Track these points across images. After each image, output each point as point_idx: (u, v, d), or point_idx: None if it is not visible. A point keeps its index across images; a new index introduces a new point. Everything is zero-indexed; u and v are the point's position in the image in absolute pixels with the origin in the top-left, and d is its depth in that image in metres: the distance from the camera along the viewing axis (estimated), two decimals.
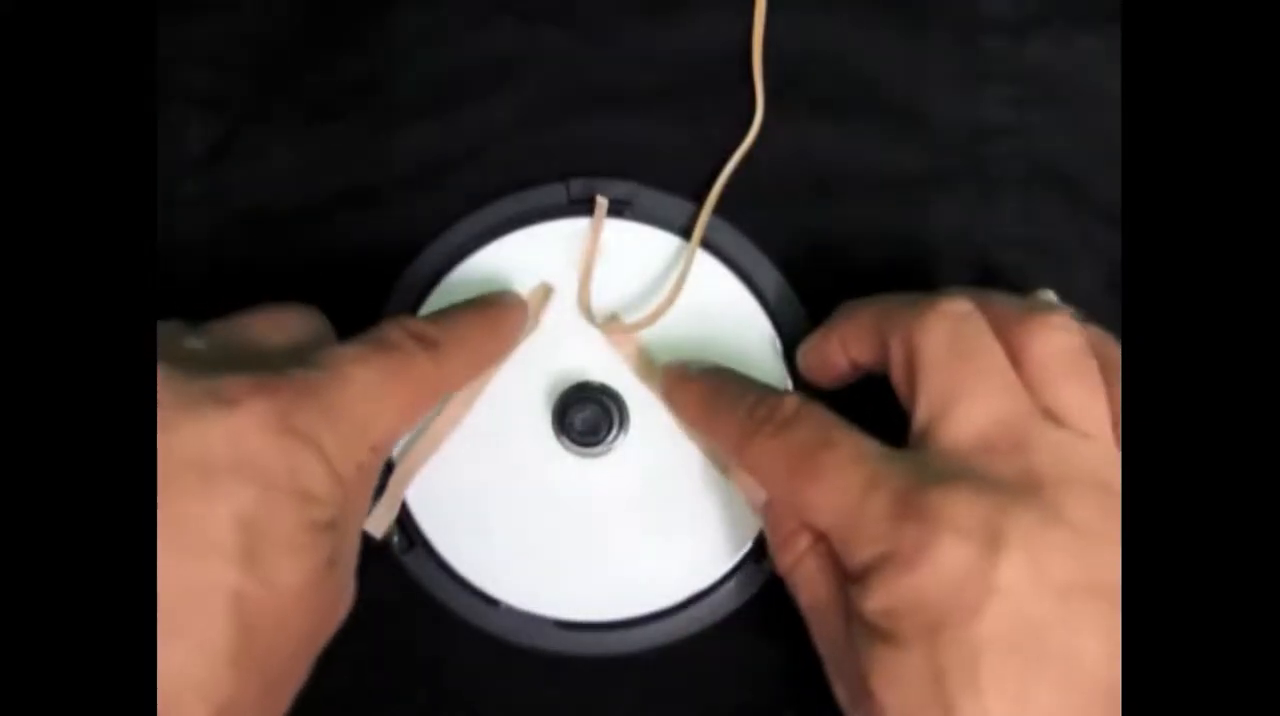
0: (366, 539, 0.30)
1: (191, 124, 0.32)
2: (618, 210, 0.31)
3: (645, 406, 0.30)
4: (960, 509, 0.23)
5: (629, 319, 0.30)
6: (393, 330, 0.26)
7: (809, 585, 0.26)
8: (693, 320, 0.31)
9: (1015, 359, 0.25)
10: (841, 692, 0.26)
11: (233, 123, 0.32)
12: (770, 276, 0.31)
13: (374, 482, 0.27)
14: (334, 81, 0.32)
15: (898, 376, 0.26)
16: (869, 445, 0.25)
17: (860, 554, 0.24)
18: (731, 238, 0.31)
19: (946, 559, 0.22)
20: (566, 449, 0.30)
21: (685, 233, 0.31)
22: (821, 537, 0.26)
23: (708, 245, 0.31)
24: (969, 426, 0.24)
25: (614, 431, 0.30)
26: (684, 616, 0.30)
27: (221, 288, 0.31)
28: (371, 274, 0.31)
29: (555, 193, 0.31)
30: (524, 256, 0.31)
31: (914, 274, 0.31)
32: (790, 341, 0.31)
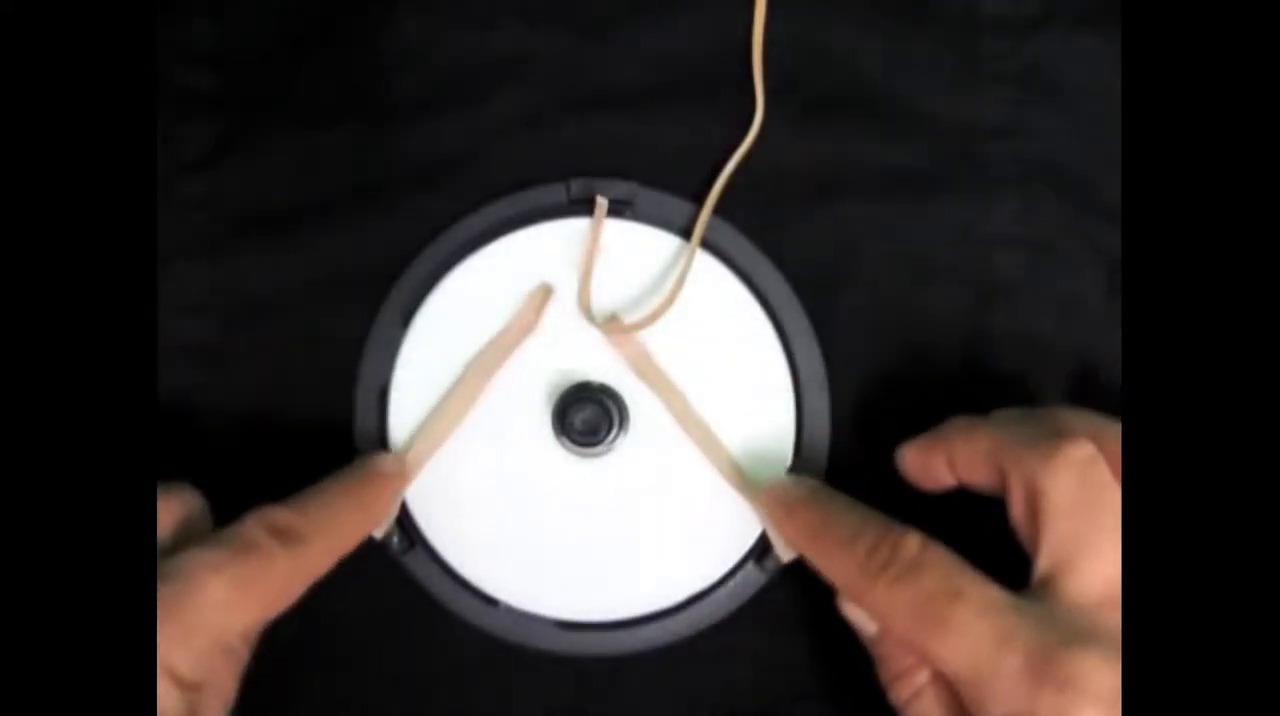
0: (366, 539, 0.30)
1: (191, 124, 0.32)
2: (618, 210, 0.31)
3: (645, 406, 0.30)
4: (1098, 676, 0.22)
5: (629, 319, 0.30)
6: (252, 528, 0.25)
7: None
8: (693, 320, 0.31)
9: None
10: None
11: (233, 123, 0.32)
12: (770, 276, 0.31)
13: (240, 662, 0.27)
14: (334, 81, 0.32)
15: (1017, 515, 0.26)
16: (997, 595, 0.24)
17: (994, 711, 0.23)
18: (731, 238, 0.31)
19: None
20: (566, 449, 0.30)
21: (685, 233, 0.31)
22: (941, 677, 0.25)
23: (708, 245, 0.31)
24: (1097, 580, 0.24)
25: (614, 431, 0.30)
26: (684, 616, 0.30)
27: (221, 287, 0.31)
28: (371, 274, 0.31)
29: (555, 193, 0.31)
30: (524, 256, 0.31)
31: (914, 273, 0.31)
32: (791, 341, 0.31)
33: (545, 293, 0.31)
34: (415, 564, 0.30)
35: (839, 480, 0.31)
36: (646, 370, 0.30)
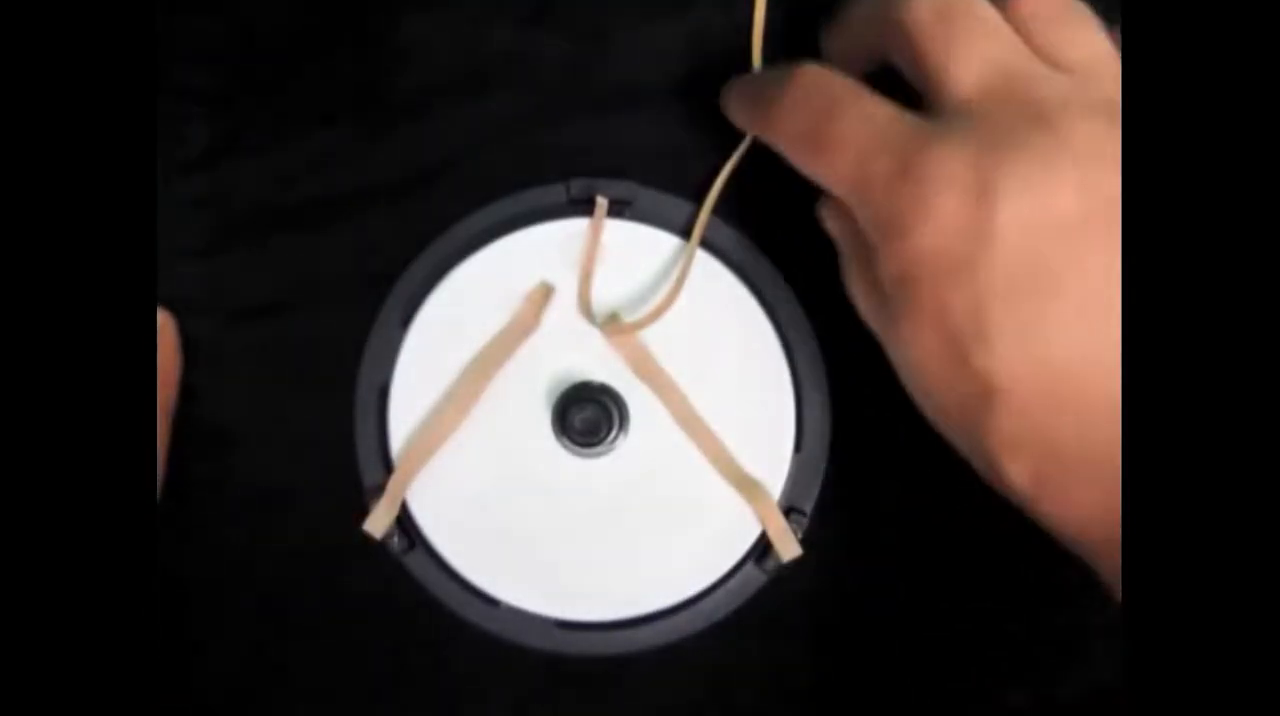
0: (366, 539, 0.30)
1: (191, 124, 0.32)
2: (618, 210, 0.31)
3: (645, 406, 0.30)
4: (953, 162, 0.23)
5: (629, 319, 0.30)
6: None
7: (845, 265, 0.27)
8: (693, 320, 0.31)
9: (1005, 16, 0.25)
10: (904, 375, 0.26)
11: (233, 123, 0.32)
12: (770, 276, 0.31)
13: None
14: (334, 81, 0.32)
15: (900, 61, 0.26)
16: (876, 108, 0.25)
17: (870, 223, 0.24)
18: (731, 238, 0.31)
19: (942, 214, 0.22)
20: (566, 449, 0.30)
21: (685, 233, 0.31)
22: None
23: (708, 245, 0.31)
24: (968, 78, 0.24)
25: (614, 431, 0.30)
26: (684, 616, 0.30)
27: (221, 287, 0.31)
28: (371, 274, 0.31)
29: (555, 193, 0.31)
30: (524, 256, 0.31)
31: None
32: (790, 341, 0.31)
33: (545, 292, 0.31)
34: (415, 564, 0.31)
35: (839, 480, 0.31)
36: (646, 370, 0.30)
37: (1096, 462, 0.22)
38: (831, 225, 0.29)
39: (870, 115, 0.24)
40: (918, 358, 0.24)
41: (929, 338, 0.23)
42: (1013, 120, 0.23)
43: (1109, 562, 0.23)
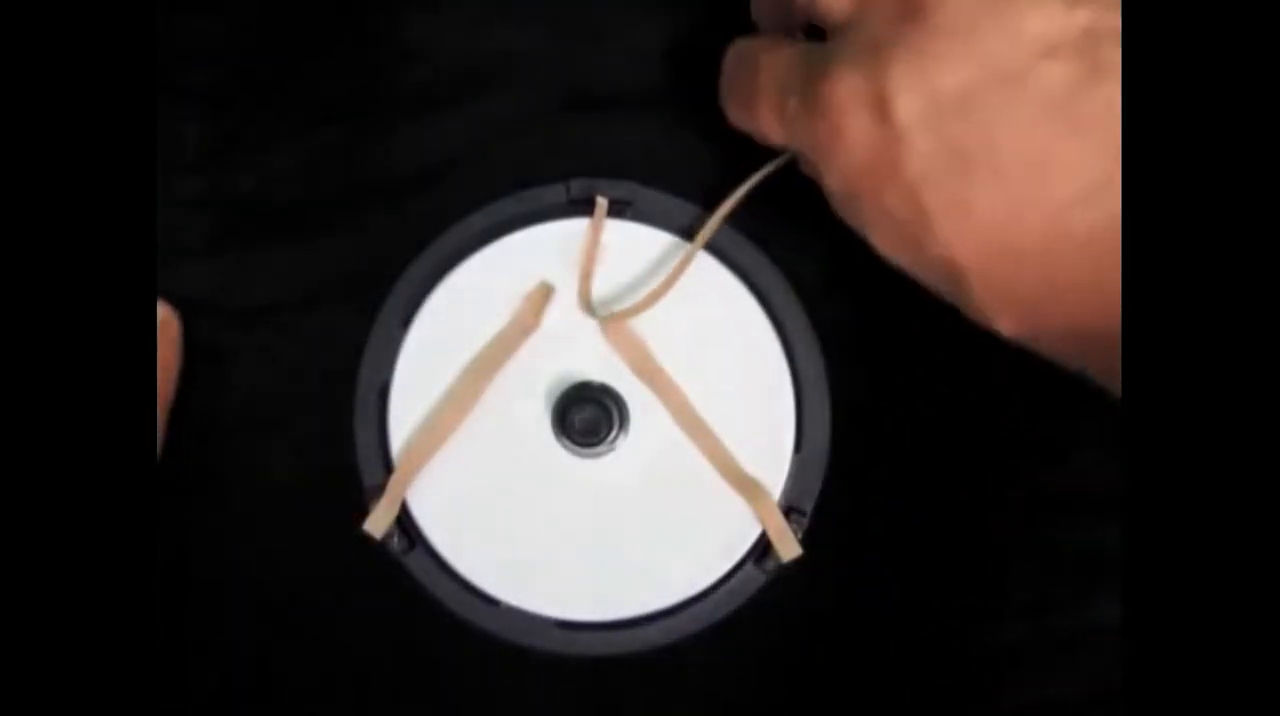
0: (366, 539, 0.30)
1: (191, 123, 0.32)
2: (618, 210, 0.31)
3: (645, 406, 0.30)
4: (846, 82, 0.24)
5: (628, 318, 0.30)
6: None
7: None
8: (693, 320, 0.31)
9: None
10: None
11: (233, 123, 0.32)
12: (770, 276, 0.31)
13: None
14: (334, 81, 0.32)
15: (799, 9, 0.27)
16: (780, 53, 0.26)
17: (805, 160, 0.26)
18: (731, 238, 0.31)
19: (851, 134, 0.24)
20: (566, 449, 0.30)
21: (685, 233, 0.31)
22: None
23: (707, 245, 0.31)
24: None
25: (614, 431, 0.30)
26: (684, 616, 0.30)
27: (221, 287, 0.31)
28: (372, 273, 0.31)
29: (555, 193, 0.31)
30: (524, 256, 0.31)
31: None
32: (791, 341, 0.31)
33: (545, 292, 0.31)
34: (415, 564, 0.30)
35: (839, 480, 0.31)
36: (646, 370, 0.30)
37: (1074, 292, 0.23)
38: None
39: (775, 62, 0.26)
40: (889, 255, 0.26)
41: (886, 239, 0.25)
42: (887, 21, 0.24)
43: (1111, 373, 0.24)
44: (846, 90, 0.24)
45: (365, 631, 0.31)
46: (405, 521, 0.31)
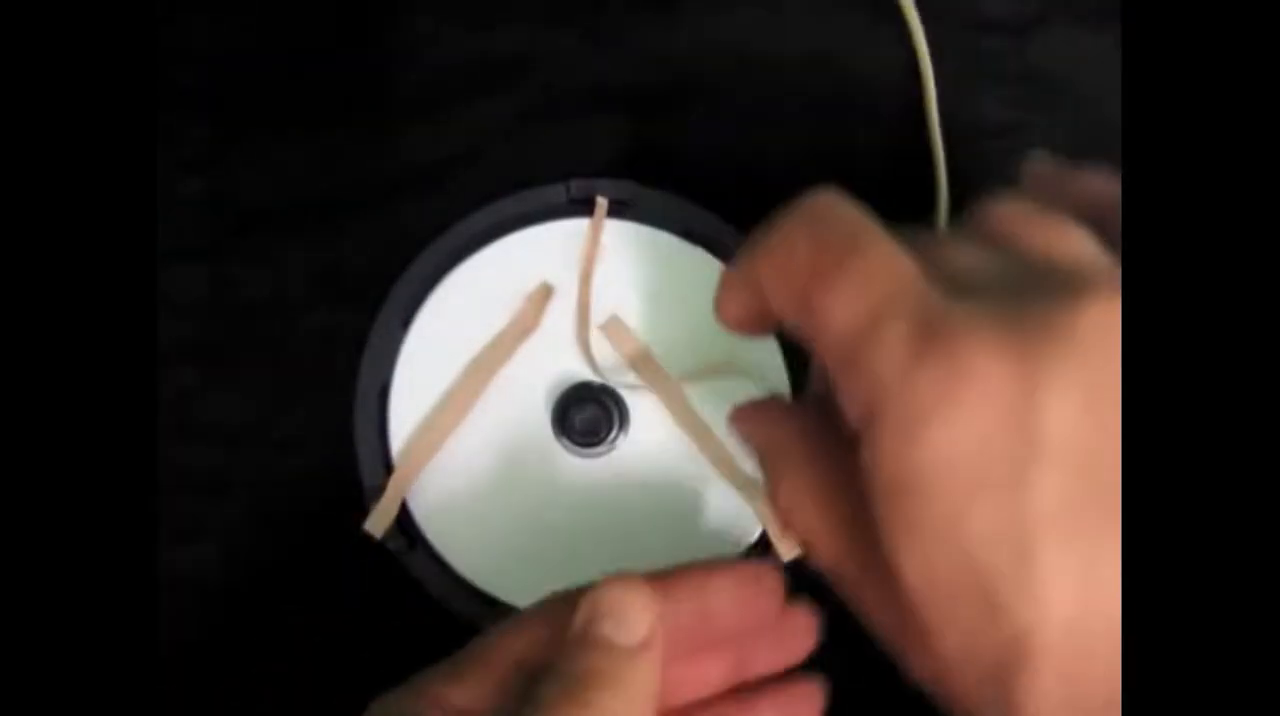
0: (366, 539, 0.30)
1: (191, 124, 0.32)
2: (617, 210, 0.31)
3: (645, 406, 0.30)
4: (988, 342, 0.18)
5: (629, 318, 0.30)
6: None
7: (815, 543, 0.23)
8: (693, 320, 0.31)
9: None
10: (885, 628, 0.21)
11: (233, 123, 0.32)
12: None
13: None
14: (334, 81, 0.32)
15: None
16: (900, 256, 0.20)
17: (859, 403, 0.19)
18: (732, 238, 0.31)
19: (976, 407, 0.18)
20: (566, 449, 0.30)
21: (685, 233, 0.31)
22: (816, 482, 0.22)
23: (707, 245, 0.31)
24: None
25: (614, 431, 0.30)
26: None
27: (221, 287, 0.31)
28: (371, 274, 0.31)
29: (555, 193, 0.31)
30: (524, 256, 0.31)
31: None
32: (790, 341, 0.31)
33: (545, 292, 0.31)
34: (415, 564, 0.30)
35: None
36: (646, 369, 0.30)
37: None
38: (748, 430, 0.24)
39: (891, 262, 0.20)
40: (916, 599, 0.19)
41: (939, 572, 0.18)
42: (1042, 294, 0.19)
43: None
44: (989, 351, 0.18)
45: (365, 631, 0.31)
46: (405, 521, 0.31)
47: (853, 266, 0.20)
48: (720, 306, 0.24)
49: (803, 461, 0.23)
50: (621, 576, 0.22)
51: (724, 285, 0.24)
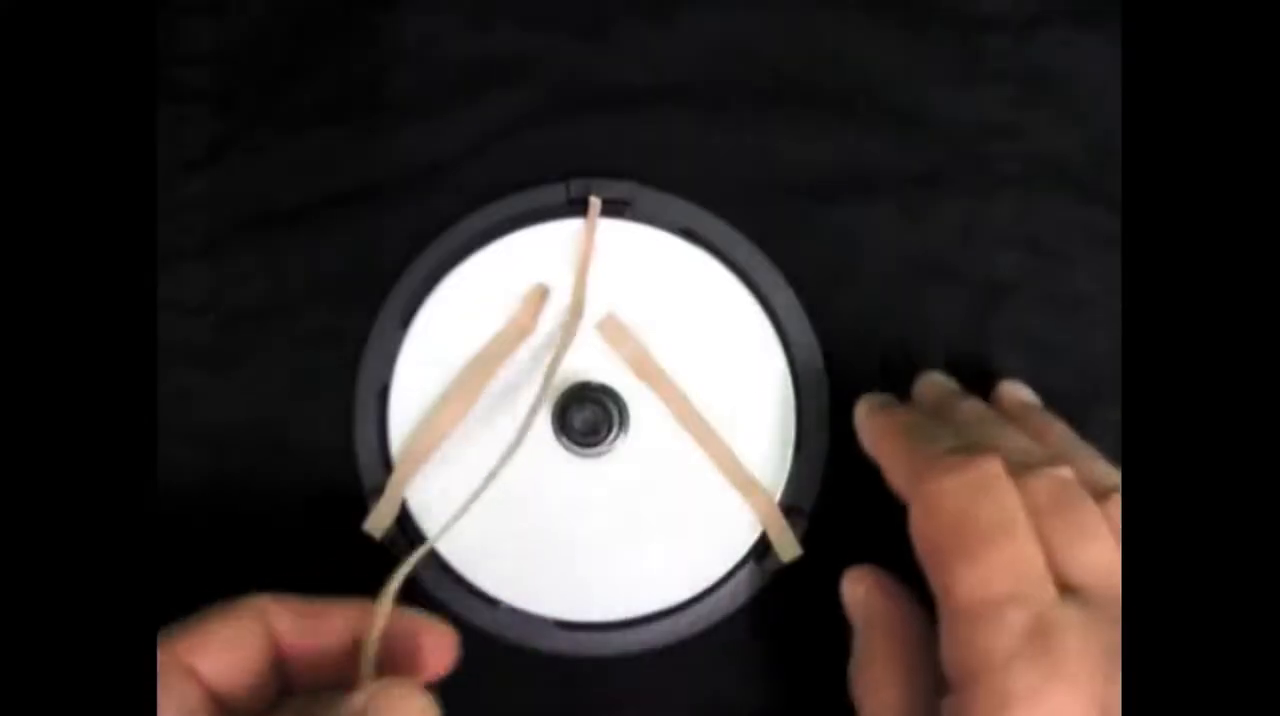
0: (366, 539, 0.30)
1: (191, 124, 0.32)
2: (617, 210, 0.31)
3: (645, 406, 0.30)
4: (1084, 656, 0.22)
5: (630, 318, 0.30)
6: None
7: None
8: (693, 320, 0.31)
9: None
10: None
11: (233, 123, 0.32)
12: (770, 276, 0.31)
13: None
14: (334, 81, 0.32)
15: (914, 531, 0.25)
16: (1037, 553, 0.23)
17: (960, 665, 0.23)
18: (731, 238, 0.31)
19: (1062, 712, 0.21)
20: (566, 449, 0.30)
21: (685, 232, 0.31)
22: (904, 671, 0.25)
23: (707, 245, 0.31)
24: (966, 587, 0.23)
25: (614, 431, 0.30)
26: (684, 616, 0.30)
27: (221, 287, 0.31)
28: (371, 274, 0.31)
29: (555, 193, 0.31)
30: (524, 256, 0.31)
31: (914, 273, 0.31)
32: (790, 341, 0.31)
33: (541, 294, 0.31)
34: (415, 564, 0.30)
35: (839, 480, 0.31)
36: (646, 370, 0.30)
37: None
38: (859, 593, 0.28)
39: (1028, 558, 0.23)
40: None
41: None
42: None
43: None
44: (1080, 666, 0.22)
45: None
46: (405, 521, 0.31)
47: (998, 554, 0.23)
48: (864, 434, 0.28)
49: (898, 652, 0.26)
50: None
51: (866, 430, 0.28)
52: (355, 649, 0.25)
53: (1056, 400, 0.31)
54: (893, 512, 0.31)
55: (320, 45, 0.32)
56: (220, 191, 0.32)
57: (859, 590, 0.27)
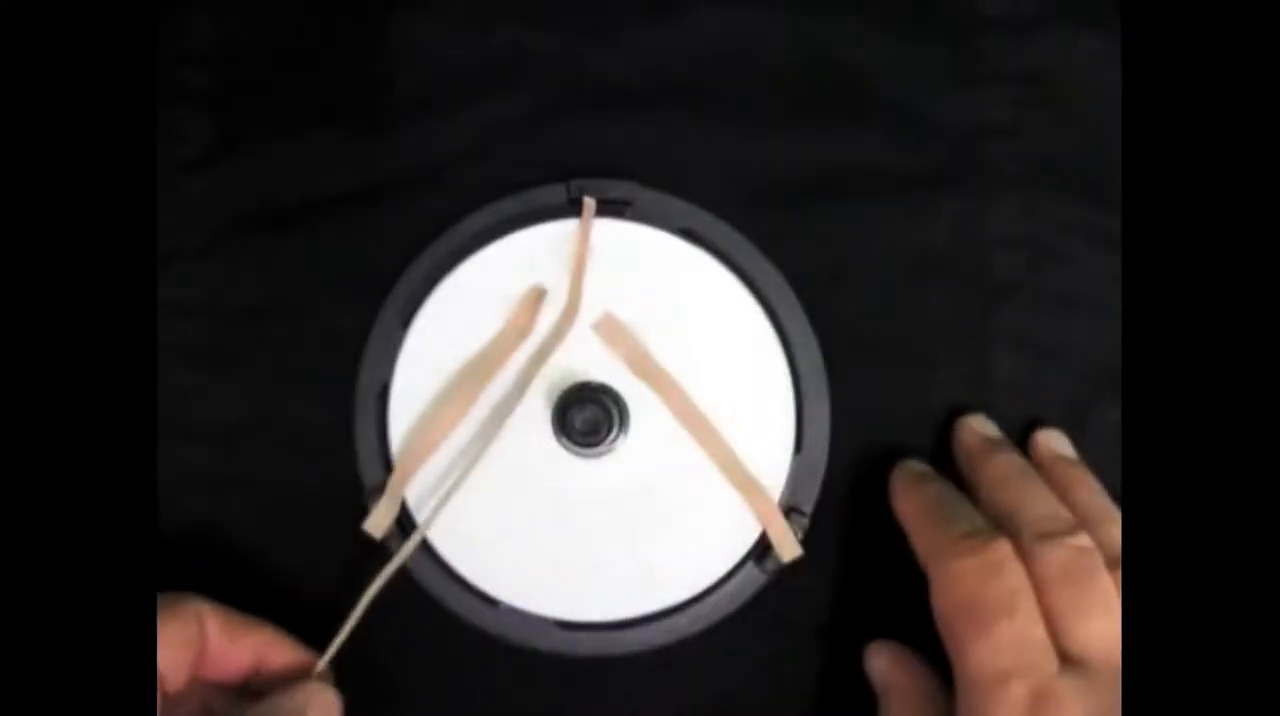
0: (366, 538, 0.30)
1: (191, 124, 0.32)
2: (617, 210, 0.31)
3: (645, 406, 0.30)
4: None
5: (629, 319, 0.30)
6: None
7: None
8: (693, 320, 0.31)
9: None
10: None
11: (233, 123, 0.32)
12: (770, 276, 0.31)
13: None
14: (334, 81, 0.32)
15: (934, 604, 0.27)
16: (1039, 628, 0.25)
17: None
18: (731, 238, 0.31)
19: None
20: (566, 449, 0.30)
21: (684, 232, 0.31)
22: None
23: (708, 245, 0.31)
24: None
25: (614, 431, 0.30)
26: (684, 616, 0.30)
27: (221, 287, 0.31)
28: (371, 274, 0.31)
29: (555, 193, 0.31)
30: (524, 256, 0.31)
31: (914, 273, 0.31)
32: (790, 341, 0.31)
33: (538, 295, 0.31)
34: (415, 564, 0.30)
35: (839, 480, 0.31)
36: (646, 370, 0.30)
37: None
38: (882, 665, 0.30)
39: (1033, 633, 0.25)
40: None
41: None
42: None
43: None
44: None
45: (365, 631, 0.31)
46: (405, 521, 0.31)
47: (1003, 631, 0.25)
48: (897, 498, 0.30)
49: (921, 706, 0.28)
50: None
51: (898, 500, 0.30)
52: (251, 671, 0.27)
53: (1057, 400, 0.31)
54: (892, 513, 0.31)
55: (320, 45, 0.32)
56: (220, 191, 0.32)
57: (880, 662, 0.29)
